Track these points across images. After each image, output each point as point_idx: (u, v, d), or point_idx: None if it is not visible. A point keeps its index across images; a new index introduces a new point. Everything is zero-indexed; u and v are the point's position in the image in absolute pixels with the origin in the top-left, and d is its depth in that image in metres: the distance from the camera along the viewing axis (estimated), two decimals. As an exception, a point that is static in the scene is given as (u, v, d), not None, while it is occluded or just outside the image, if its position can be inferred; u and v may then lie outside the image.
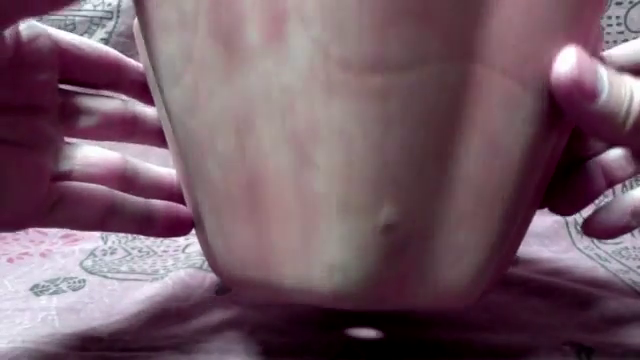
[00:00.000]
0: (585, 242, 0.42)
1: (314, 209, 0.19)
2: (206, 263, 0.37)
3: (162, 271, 0.36)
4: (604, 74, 0.18)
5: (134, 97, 0.26)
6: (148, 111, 0.26)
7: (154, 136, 0.26)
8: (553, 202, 0.25)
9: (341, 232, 0.18)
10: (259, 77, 0.18)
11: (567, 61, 0.18)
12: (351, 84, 0.17)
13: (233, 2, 0.18)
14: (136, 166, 0.26)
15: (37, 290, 0.33)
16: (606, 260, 0.38)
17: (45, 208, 0.22)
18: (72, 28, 0.51)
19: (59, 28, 0.55)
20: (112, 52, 0.25)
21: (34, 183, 0.22)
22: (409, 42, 0.17)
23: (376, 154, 0.18)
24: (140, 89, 0.26)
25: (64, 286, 0.33)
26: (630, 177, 0.25)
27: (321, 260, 0.19)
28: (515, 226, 0.22)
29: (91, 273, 0.36)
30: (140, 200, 0.25)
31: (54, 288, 0.33)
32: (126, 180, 0.25)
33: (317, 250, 0.19)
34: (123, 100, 0.26)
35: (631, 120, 0.18)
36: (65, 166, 0.23)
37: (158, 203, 0.26)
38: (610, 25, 0.43)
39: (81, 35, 0.51)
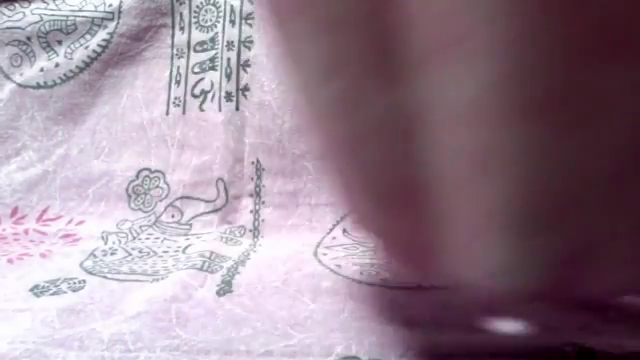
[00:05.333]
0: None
1: (478, 219, 0.18)
2: (206, 263, 0.37)
3: (163, 272, 0.36)
4: None
5: None
6: None
7: None
8: None
9: (503, 246, 0.18)
10: (429, 87, 0.16)
11: None
12: (533, 115, 0.15)
13: (399, 4, 0.15)
14: None
15: (37, 291, 0.33)
16: (607, 261, 0.38)
17: None
18: (74, 29, 0.51)
19: (60, 29, 0.56)
20: None
21: None
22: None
23: (550, 185, 0.16)
24: None
25: (64, 287, 0.33)
26: None
27: (483, 263, 0.18)
28: None
29: (91, 274, 0.36)
30: None
31: (54, 289, 0.33)
32: None
33: (479, 254, 0.18)
34: None
35: None
36: None
37: None
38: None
39: (82, 36, 0.51)
